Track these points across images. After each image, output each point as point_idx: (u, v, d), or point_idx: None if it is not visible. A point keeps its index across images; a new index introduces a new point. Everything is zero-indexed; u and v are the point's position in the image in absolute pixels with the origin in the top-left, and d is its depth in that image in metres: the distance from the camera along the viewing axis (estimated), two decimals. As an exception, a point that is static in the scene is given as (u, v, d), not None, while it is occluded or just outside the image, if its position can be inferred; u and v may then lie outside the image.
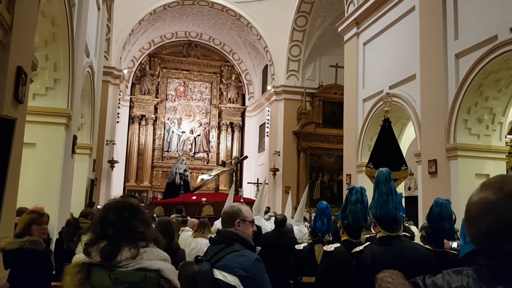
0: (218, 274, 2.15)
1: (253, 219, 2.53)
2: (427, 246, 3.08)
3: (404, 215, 2.81)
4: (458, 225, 5.19)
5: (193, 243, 5.74)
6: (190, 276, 2.14)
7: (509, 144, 8.45)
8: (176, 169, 18.37)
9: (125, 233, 1.68)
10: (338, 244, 3.52)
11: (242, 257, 2.21)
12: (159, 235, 1.83)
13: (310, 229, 4.78)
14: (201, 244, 5.51)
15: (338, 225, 4.00)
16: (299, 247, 4.74)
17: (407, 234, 4.35)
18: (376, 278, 1.14)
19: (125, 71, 17.97)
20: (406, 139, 10.24)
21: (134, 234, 1.69)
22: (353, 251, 2.81)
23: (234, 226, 2.40)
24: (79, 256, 1.66)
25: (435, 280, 1.12)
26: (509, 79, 7.21)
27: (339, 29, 12.21)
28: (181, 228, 6.60)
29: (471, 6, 7.45)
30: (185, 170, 18.47)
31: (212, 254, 2.26)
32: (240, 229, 2.39)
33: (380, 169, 2.85)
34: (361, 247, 2.75)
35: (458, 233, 5.73)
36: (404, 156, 7.14)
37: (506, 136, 8.12)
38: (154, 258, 1.69)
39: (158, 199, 17.86)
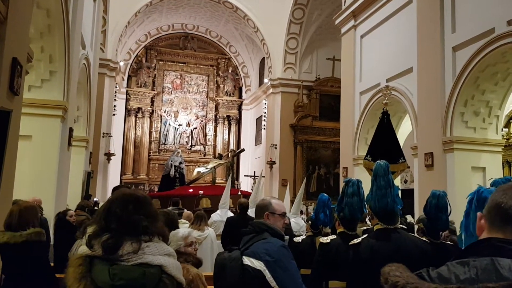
0: (246, 260, 2.29)
1: (284, 212, 2.61)
2: (424, 238, 3.09)
3: (401, 208, 2.82)
4: (453, 217, 5.21)
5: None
6: (219, 262, 2.37)
7: (505, 137, 8.49)
8: (171, 161, 18.35)
9: (128, 227, 1.66)
10: (334, 236, 3.54)
11: (268, 244, 2.33)
12: (165, 229, 1.81)
13: (310, 221, 4.78)
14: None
15: (334, 217, 4.02)
16: (297, 239, 4.75)
17: (404, 226, 4.37)
18: (382, 272, 1.13)
19: (121, 64, 17.88)
20: (403, 132, 10.25)
21: (138, 228, 1.67)
22: (350, 243, 2.82)
23: (264, 219, 2.51)
24: (83, 248, 1.65)
25: (440, 273, 1.09)
26: (506, 72, 7.22)
27: (336, 22, 12.17)
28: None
29: (469, -1, 7.43)
30: (180, 163, 18.45)
31: (243, 243, 2.41)
32: (270, 221, 2.50)
33: (378, 161, 2.86)
34: (358, 240, 2.77)
35: (454, 225, 5.75)
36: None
37: (502, 129, 8.15)
38: (157, 253, 1.67)
39: (155, 192, 17.86)
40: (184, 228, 6.12)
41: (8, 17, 3.90)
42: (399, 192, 3.10)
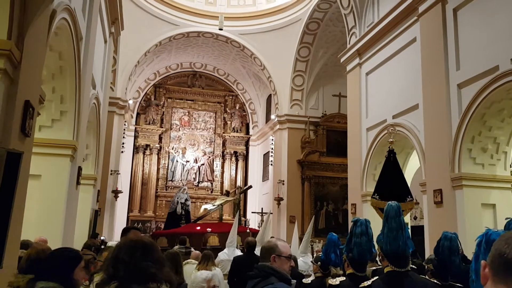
0: None
1: (290, 255, 2.57)
2: (434, 280, 3.04)
3: (412, 251, 2.78)
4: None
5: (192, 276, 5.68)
6: None
7: (514, 173, 8.40)
8: (177, 198, 18.29)
9: (136, 274, 1.66)
10: (343, 278, 3.47)
11: None
12: (172, 275, 1.80)
13: (319, 262, 4.66)
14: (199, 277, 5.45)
15: (343, 258, 3.95)
16: (306, 281, 4.64)
17: (414, 266, 4.28)
18: None
19: (130, 102, 18.17)
20: (411, 168, 10.21)
21: (145, 275, 1.67)
22: (361, 286, 2.77)
23: (270, 261, 2.46)
24: None
25: None
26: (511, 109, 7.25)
27: (342, 60, 12.38)
28: (185, 260, 6.52)
29: (472, 37, 7.56)
30: (186, 200, 18.37)
31: None
32: (276, 264, 2.44)
33: (390, 202, 2.84)
34: (369, 282, 2.72)
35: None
36: (409, 185, 7.10)
37: (511, 165, 8.09)
38: None
39: (161, 229, 17.72)
40: (192, 267, 6.06)
41: (22, 61, 4.02)
42: (409, 230, 3.06)
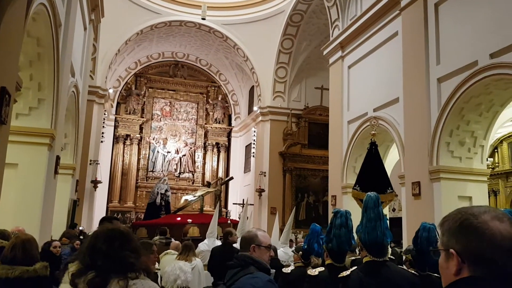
0: None
1: (270, 245, 2.59)
2: (412, 271, 3.08)
3: (391, 241, 2.83)
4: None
5: (168, 266, 5.65)
6: None
7: (490, 166, 8.60)
8: (158, 189, 18.15)
9: (114, 264, 1.62)
10: (322, 268, 3.50)
11: (254, 279, 2.29)
12: (149, 264, 1.78)
13: (300, 252, 4.70)
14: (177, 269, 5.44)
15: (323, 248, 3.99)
16: (286, 270, 4.67)
17: (392, 257, 4.34)
18: None
19: (111, 91, 17.89)
20: (390, 161, 10.34)
21: (124, 264, 1.64)
22: (340, 275, 2.80)
23: (250, 251, 2.48)
24: (66, 287, 1.61)
25: None
26: (489, 104, 7.38)
27: (324, 52, 12.40)
28: (165, 251, 6.49)
29: (453, 32, 7.65)
30: (166, 191, 18.23)
31: (229, 277, 2.38)
32: (256, 254, 2.46)
33: (369, 193, 2.87)
34: (347, 272, 2.75)
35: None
36: (389, 178, 7.19)
37: (487, 159, 8.26)
38: None
39: (142, 220, 17.59)
40: (172, 258, 6.03)
41: (-2, 46, 3.91)
42: (388, 221, 3.09)
